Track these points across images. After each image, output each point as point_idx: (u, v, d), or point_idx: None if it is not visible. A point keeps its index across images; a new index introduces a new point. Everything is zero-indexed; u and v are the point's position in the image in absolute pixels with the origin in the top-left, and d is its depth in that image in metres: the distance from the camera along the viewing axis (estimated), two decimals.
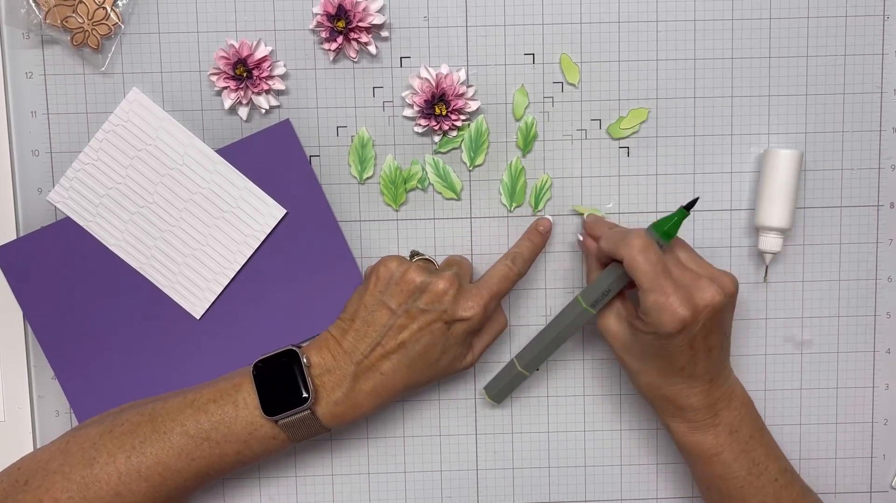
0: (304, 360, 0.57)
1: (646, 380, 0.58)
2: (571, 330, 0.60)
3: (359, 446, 0.67)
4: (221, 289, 0.64)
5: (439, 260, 0.64)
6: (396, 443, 0.67)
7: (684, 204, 0.57)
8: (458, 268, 0.59)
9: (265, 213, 0.63)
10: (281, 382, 0.57)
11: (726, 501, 0.59)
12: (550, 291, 0.66)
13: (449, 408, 0.67)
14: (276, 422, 0.56)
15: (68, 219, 0.63)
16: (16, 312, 0.64)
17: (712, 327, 0.55)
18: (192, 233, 0.63)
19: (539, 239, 0.63)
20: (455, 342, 0.58)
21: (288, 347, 0.58)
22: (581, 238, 0.63)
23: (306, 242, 0.64)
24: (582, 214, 0.64)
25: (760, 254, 0.64)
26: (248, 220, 0.63)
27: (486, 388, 0.64)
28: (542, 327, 0.63)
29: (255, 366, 0.58)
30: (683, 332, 0.54)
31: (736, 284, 0.56)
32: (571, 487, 0.67)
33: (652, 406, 0.60)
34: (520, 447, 0.67)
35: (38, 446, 0.65)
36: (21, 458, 0.59)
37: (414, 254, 0.63)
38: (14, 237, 0.63)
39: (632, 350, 0.58)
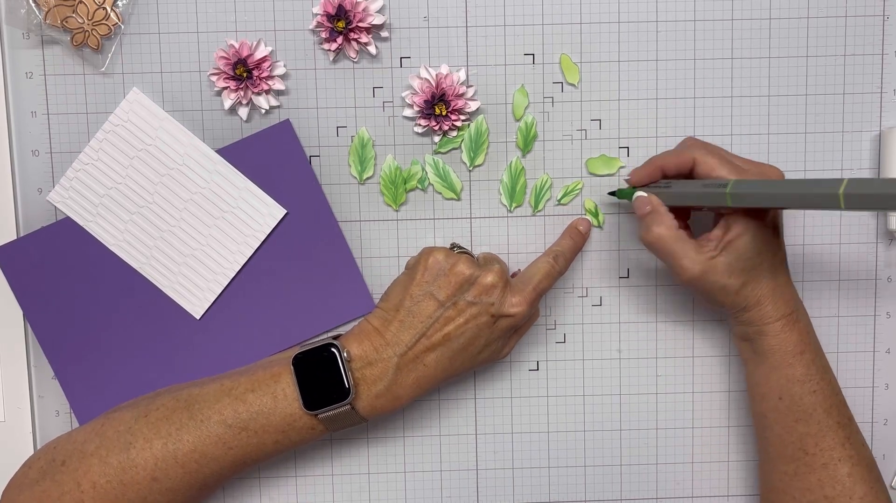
0: (345, 355, 0.56)
1: (753, 287, 0.57)
2: (697, 202, 0.57)
3: (359, 446, 0.67)
4: (221, 289, 0.64)
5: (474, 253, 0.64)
6: (396, 443, 0.67)
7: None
8: (501, 265, 0.59)
9: (265, 213, 0.63)
10: (321, 376, 0.56)
11: (796, 412, 0.58)
12: (550, 291, 0.66)
13: (449, 408, 0.67)
14: (316, 415, 0.56)
15: (68, 219, 0.63)
16: (16, 312, 0.64)
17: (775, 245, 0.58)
18: (192, 233, 0.63)
19: (580, 238, 0.64)
20: (497, 336, 0.59)
21: (328, 341, 0.57)
22: (642, 194, 0.60)
23: (306, 242, 0.64)
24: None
25: (891, 234, 0.65)
26: (248, 220, 0.63)
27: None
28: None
29: (295, 360, 0.57)
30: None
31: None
32: (571, 487, 0.67)
33: (740, 318, 0.59)
34: (520, 447, 0.67)
35: (38, 446, 0.65)
36: (55, 439, 0.59)
37: (454, 246, 0.62)
38: (14, 237, 0.63)
39: (742, 267, 0.56)
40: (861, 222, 0.66)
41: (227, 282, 0.64)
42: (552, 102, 0.64)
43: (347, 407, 0.56)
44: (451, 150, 0.64)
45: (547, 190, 0.65)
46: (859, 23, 0.64)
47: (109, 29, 0.62)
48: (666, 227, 0.57)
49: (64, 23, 0.61)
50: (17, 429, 0.65)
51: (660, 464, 0.68)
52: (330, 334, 0.62)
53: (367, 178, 0.65)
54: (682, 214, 0.62)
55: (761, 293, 0.57)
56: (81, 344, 0.64)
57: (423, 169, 0.64)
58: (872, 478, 0.58)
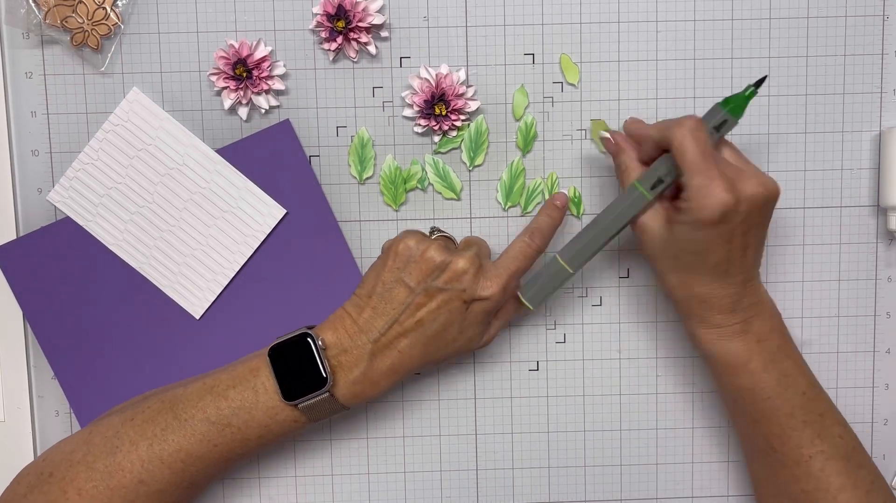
0: (320, 342, 0.56)
1: (678, 279, 0.57)
2: (623, 219, 0.57)
3: (359, 446, 0.67)
4: (221, 289, 0.64)
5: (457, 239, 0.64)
6: (396, 443, 0.67)
7: (753, 83, 0.56)
8: (478, 248, 0.59)
9: (265, 213, 0.63)
10: (298, 366, 0.56)
11: (753, 415, 0.58)
12: None
13: (449, 408, 0.67)
14: (296, 405, 0.56)
15: (68, 218, 0.63)
16: (16, 312, 0.64)
17: (752, 223, 0.54)
18: (192, 233, 0.63)
19: (556, 213, 0.61)
20: (473, 322, 0.58)
21: (302, 330, 0.57)
22: (607, 135, 0.60)
23: (306, 242, 0.64)
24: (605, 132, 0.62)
25: (891, 234, 0.65)
26: (248, 220, 0.63)
27: (522, 290, 0.60)
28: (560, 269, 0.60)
29: (271, 350, 0.57)
30: (724, 222, 0.53)
31: (779, 189, 0.55)
32: (571, 487, 0.67)
33: (680, 313, 0.59)
34: (520, 447, 0.67)
35: (38, 446, 0.65)
36: (46, 451, 0.59)
37: (434, 230, 0.62)
38: (14, 237, 0.63)
39: (667, 247, 0.56)
40: (861, 222, 0.66)
41: (226, 282, 0.64)
42: (552, 102, 0.64)
43: (326, 394, 0.56)
44: (451, 150, 0.64)
45: (539, 192, 0.65)
46: (859, 23, 0.64)
47: (109, 29, 0.62)
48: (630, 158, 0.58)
49: (64, 23, 0.61)
50: (17, 429, 0.65)
51: (660, 464, 0.68)
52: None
53: (367, 178, 0.65)
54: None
55: (697, 297, 0.56)
56: (81, 344, 0.64)
57: (423, 169, 0.64)
58: (850, 468, 0.57)
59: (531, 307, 0.60)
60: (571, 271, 0.59)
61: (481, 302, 0.57)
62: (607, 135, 0.60)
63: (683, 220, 0.54)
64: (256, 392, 0.57)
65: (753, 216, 0.54)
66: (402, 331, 0.57)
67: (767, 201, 0.54)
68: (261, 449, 0.58)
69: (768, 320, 0.57)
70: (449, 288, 0.57)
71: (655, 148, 0.57)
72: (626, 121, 0.60)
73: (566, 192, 0.63)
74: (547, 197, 0.65)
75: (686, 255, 0.55)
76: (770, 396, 0.57)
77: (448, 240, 0.61)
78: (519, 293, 0.60)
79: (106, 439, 0.57)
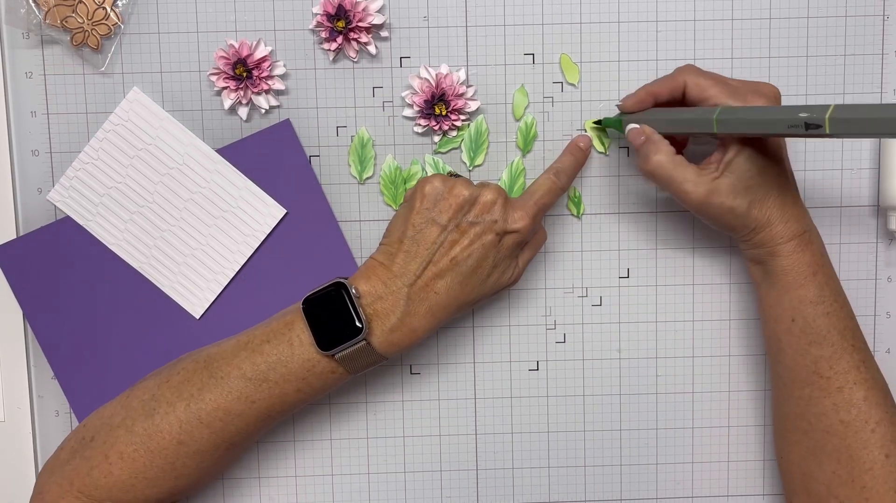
0: (353, 291, 0.56)
1: (757, 209, 0.57)
2: (693, 129, 0.58)
3: (359, 446, 0.67)
4: (221, 289, 0.64)
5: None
6: (396, 443, 0.67)
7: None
8: (497, 185, 0.59)
9: (265, 212, 0.63)
10: (333, 316, 0.56)
11: (808, 334, 0.58)
12: (550, 291, 0.66)
13: (449, 408, 0.67)
14: (333, 356, 0.56)
15: (68, 218, 0.63)
16: (16, 312, 0.64)
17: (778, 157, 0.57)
18: (192, 233, 0.63)
19: (581, 154, 0.63)
20: (504, 255, 0.58)
21: (335, 280, 0.56)
22: (636, 127, 0.60)
23: (306, 242, 0.64)
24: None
25: (891, 234, 0.65)
26: (248, 220, 0.63)
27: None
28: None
29: (305, 302, 0.56)
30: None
31: (777, 92, 0.58)
32: (571, 487, 0.67)
33: (755, 242, 0.58)
34: (520, 447, 0.67)
35: (38, 446, 0.65)
36: (87, 418, 0.60)
37: (450, 173, 0.61)
38: (14, 237, 0.63)
39: (737, 188, 0.56)
40: (861, 222, 0.66)
41: (226, 282, 0.64)
42: (552, 102, 0.64)
43: (363, 343, 0.55)
44: (451, 150, 0.64)
45: None
46: (859, 23, 0.64)
47: (109, 29, 0.62)
48: (664, 154, 0.57)
49: (64, 23, 0.61)
50: (17, 429, 0.65)
51: (660, 464, 0.68)
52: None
53: (367, 178, 0.65)
54: (677, 146, 0.61)
55: (770, 213, 0.57)
56: (81, 344, 0.64)
57: (423, 169, 0.64)
58: (888, 404, 0.57)
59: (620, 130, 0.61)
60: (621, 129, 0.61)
61: (513, 234, 0.57)
62: (636, 126, 0.60)
63: (740, 153, 0.56)
64: (292, 345, 0.56)
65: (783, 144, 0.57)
66: (437, 272, 0.56)
67: (779, 97, 0.58)
68: (300, 404, 0.58)
69: (818, 235, 0.59)
70: (480, 220, 0.57)
71: (656, 101, 0.59)
72: (637, 93, 0.60)
73: (589, 136, 0.64)
74: None
75: (757, 181, 0.56)
76: (829, 311, 0.57)
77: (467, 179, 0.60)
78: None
79: (143, 402, 0.57)
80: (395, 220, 0.58)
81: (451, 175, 0.60)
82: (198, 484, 0.59)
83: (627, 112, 0.61)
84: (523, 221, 0.57)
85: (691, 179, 0.56)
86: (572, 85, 0.64)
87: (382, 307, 0.56)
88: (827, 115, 0.48)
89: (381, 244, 0.59)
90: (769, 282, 0.59)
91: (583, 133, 0.64)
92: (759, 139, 0.56)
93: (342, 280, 0.56)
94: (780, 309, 0.59)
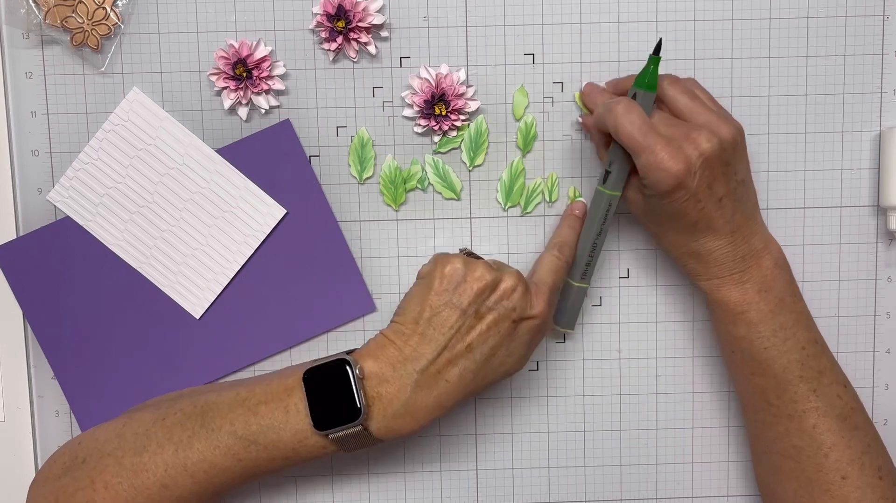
0: (358, 371, 0.53)
1: (669, 240, 0.58)
2: (603, 222, 0.60)
3: None
4: (221, 289, 0.64)
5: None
6: (397, 442, 0.67)
7: (651, 51, 0.57)
8: (514, 269, 0.57)
9: (265, 212, 0.63)
10: (333, 392, 0.53)
11: (750, 366, 0.58)
12: None
13: None
14: (326, 435, 0.54)
15: (68, 218, 0.63)
16: (16, 312, 0.64)
17: (714, 176, 0.54)
18: (192, 233, 0.63)
19: (578, 224, 0.62)
20: (519, 342, 0.56)
21: (340, 356, 0.54)
22: (580, 119, 0.63)
23: (306, 242, 0.64)
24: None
25: (891, 234, 0.65)
26: (248, 220, 0.63)
27: (557, 322, 0.62)
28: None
29: (305, 375, 0.54)
30: (682, 187, 0.53)
31: (736, 129, 0.55)
32: (571, 487, 0.67)
33: (682, 270, 0.60)
34: (520, 447, 0.67)
35: (38, 446, 0.65)
36: (81, 435, 0.59)
37: (465, 251, 0.59)
38: (14, 237, 0.63)
39: (649, 215, 0.58)
40: (861, 222, 0.66)
41: (226, 282, 0.64)
42: (552, 102, 0.64)
43: (359, 428, 0.53)
44: (450, 150, 0.64)
45: (539, 192, 0.65)
46: (859, 23, 0.64)
47: (109, 29, 0.62)
48: (638, 114, 0.55)
49: (64, 23, 0.61)
50: (17, 429, 0.65)
51: (660, 464, 0.68)
52: (344, 349, 0.59)
53: (367, 178, 0.65)
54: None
55: (681, 253, 0.58)
56: (81, 344, 0.64)
57: (423, 169, 0.64)
58: (845, 428, 0.57)
59: (571, 329, 0.63)
60: (587, 285, 0.62)
61: (530, 321, 0.56)
62: (580, 118, 0.63)
63: (648, 194, 0.56)
64: (287, 412, 0.54)
65: (714, 168, 0.54)
66: (451, 358, 0.54)
67: (724, 149, 0.54)
68: (287, 470, 0.56)
69: (771, 269, 0.57)
70: (499, 307, 0.54)
71: (604, 136, 0.59)
72: (582, 88, 0.63)
73: (584, 201, 0.64)
74: (547, 197, 0.65)
75: (667, 220, 0.57)
76: (766, 347, 0.57)
77: (485, 261, 0.58)
78: (555, 325, 0.62)
79: (137, 436, 0.56)
80: (411, 299, 0.56)
81: (468, 254, 0.58)
82: None
83: (587, 101, 0.62)
84: (540, 307, 0.56)
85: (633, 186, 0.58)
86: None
87: (387, 391, 0.54)
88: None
89: (393, 321, 0.56)
90: (710, 316, 0.60)
91: (577, 200, 0.64)
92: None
93: (347, 357, 0.54)
94: (720, 339, 0.60)
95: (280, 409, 0.55)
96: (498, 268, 0.56)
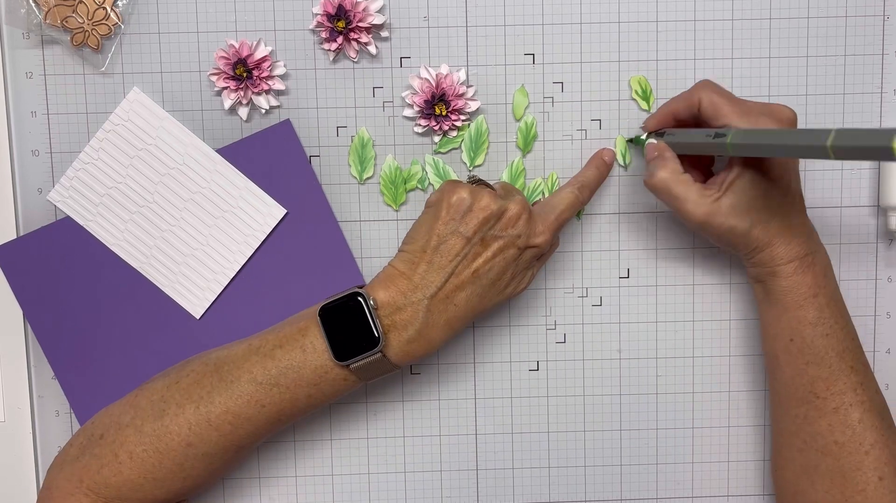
0: (372, 302, 0.55)
1: (760, 229, 0.57)
2: (725, 137, 0.56)
3: (359, 446, 0.67)
4: (221, 289, 0.64)
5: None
6: (396, 443, 0.67)
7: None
8: (521, 195, 0.59)
9: (265, 212, 0.63)
10: (349, 326, 0.55)
11: (806, 354, 0.58)
12: (550, 291, 0.66)
13: (449, 408, 0.67)
14: (347, 366, 0.56)
15: (68, 218, 0.63)
16: (16, 312, 0.64)
17: None
18: (192, 233, 0.63)
19: (605, 169, 0.63)
20: (522, 267, 0.58)
21: (353, 290, 0.56)
22: (653, 142, 0.61)
23: (306, 242, 0.64)
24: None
25: (891, 234, 0.65)
26: (248, 220, 0.63)
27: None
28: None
29: (322, 311, 0.56)
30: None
31: (790, 108, 0.58)
32: (571, 487, 0.67)
33: (757, 261, 0.59)
34: (520, 447, 0.67)
35: (38, 446, 0.65)
36: (94, 416, 0.60)
37: (472, 178, 0.60)
38: (14, 237, 0.63)
39: (741, 209, 0.57)
40: (861, 222, 0.66)
41: (227, 282, 0.64)
42: (552, 102, 0.64)
43: (379, 355, 0.55)
44: (451, 150, 0.64)
45: (539, 192, 0.65)
46: (859, 23, 0.64)
47: (109, 29, 0.62)
48: (669, 171, 0.58)
49: (64, 23, 0.61)
50: (17, 429, 0.65)
51: (660, 464, 0.68)
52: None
53: (367, 178, 0.65)
54: (705, 161, 0.63)
55: (772, 234, 0.57)
56: (81, 344, 0.64)
57: (423, 169, 0.64)
58: (884, 426, 0.58)
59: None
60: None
61: (534, 249, 0.58)
62: (653, 141, 0.61)
63: (742, 174, 0.56)
64: (305, 351, 0.56)
65: None
66: (458, 284, 0.56)
67: (796, 122, 0.58)
68: (311, 409, 0.57)
69: (825, 257, 0.59)
70: (504, 235, 0.56)
71: (675, 119, 0.61)
72: (657, 113, 0.62)
73: (613, 149, 0.64)
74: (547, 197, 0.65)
75: (760, 202, 0.57)
76: (828, 333, 0.57)
77: (491, 188, 0.60)
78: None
79: (153, 402, 0.57)
80: (418, 228, 0.58)
81: (474, 181, 0.59)
82: (204, 484, 0.59)
83: (651, 132, 0.62)
84: (545, 236, 0.58)
85: (692, 199, 0.57)
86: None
87: (401, 319, 0.56)
88: (828, 143, 0.49)
89: (400, 251, 0.58)
90: (769, 301, 0.59)
91: (607, 147, 0.64)
92: (767, 159, 0.56)
93: (360, 290, 0.56)
94: (779, 328, 0.59)
95: (297, 349, 0.56)
96: (505, 194, 0.58)
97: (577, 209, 0.61)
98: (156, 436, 0.56)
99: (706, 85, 0.59)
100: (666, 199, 0.58)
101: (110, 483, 0.56)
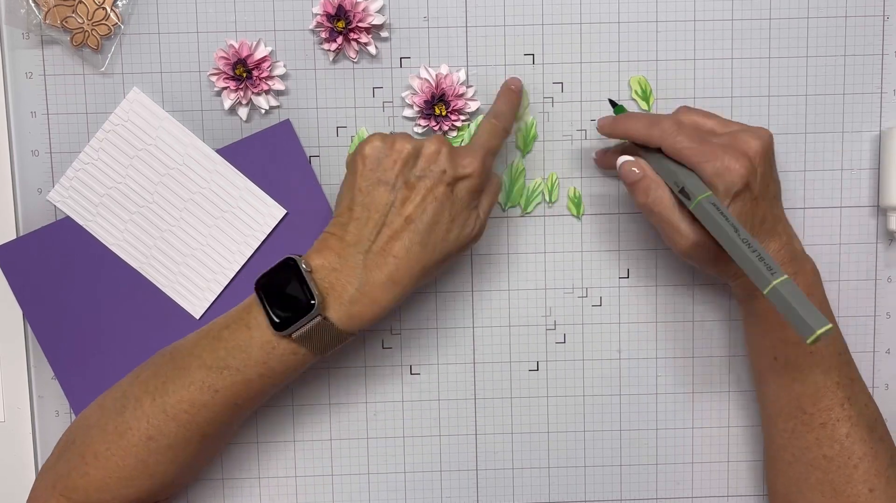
0: (304, 266, 0.54)
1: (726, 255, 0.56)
2: (727, 218, 0.54)
3: (359, 446, 0.67)
4: (221, 289, 0.64)
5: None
6: (396, 443, 0.67)
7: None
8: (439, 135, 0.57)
9: (265, 212, 0.63)
10: (287, 295, 0.53)
11: (791, 372, 0.58)
12: (550, 291, 0.66)
13: (449, 408, 0.67)
14: (291, 335, 0.54)
15: (68, 218, 0.63)
16: (16, 312, 0.64)
17: (768, 174, 0.56)
18: (192, 233, 0.63)
19: (514, 97, 0.61)
20: (461, 205, 0.55)
21: (286, 257, 0.55)
22: (628, 159, 0.58)
23: (306, 242, 0.64)
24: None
25: (891, 234, 0.65)
26: (248, 220, 0.63)
27: (803, 331, 0.52)
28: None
29: (258, 283, 0.55)
30: (748, 188, 0.55)
31: (766, 131, 0.57)
32: (571, 487, 0.67)
33: (740, 283, 0.59)
34: (520, 447, 0.67)
35: (38, 446, 0.65)
36: (74, 421, 0.60)
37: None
38: (14, 237, 0.63)
39: (708, 242, 0.56)
40: (861, 222, 0.66)
41: (227, 282, 0.64)
42: (552, 102, 0.64)
43: (319, 318, 0.53)
44: None
45: (539, 192, 0.65)
46: (859, 23, 0.64)
47: (109, 29, 0.62)
48: (666, 192, 0.57)
49: (64, 23, 0.61)
50: (17, 429, 0.65)
51: (660, 465, 0.68)
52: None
53: None
54: None
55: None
56: (81, 344, 0.64)
57: None
58: (873, 439, 0.57)
59: (829, 326, 0.51)
60: (785, 276, 0.53)
61: (465, 180, 0.55)
62: (630, 159, 0.58)
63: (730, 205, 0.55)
64: (250, 328, 0.54)
65: (766, 166, 0.57)
66: (392, 233, 0.54)
67: (768, 147, 0.57)
68: (269, 390, 0.56)
69: (812, 274, 0.58)
70: (428, 173, 0.54)
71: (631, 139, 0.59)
72: (599, 120, 0.61)
73: (520, 78, 0.63)
74: (547, 197, 0.65)
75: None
76: (811, 351, 0.57)
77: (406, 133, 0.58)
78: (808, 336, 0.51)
79: (115, 400, 0.57)
80: (342, 190, 0.56)
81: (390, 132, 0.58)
82: (176, 481, 0.58)
83: (604, 134, 0.60)
84: (473, 165, 0.55)
85: (683, 228, 0.56)
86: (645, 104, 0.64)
87: (338, 279, 0.54)
88: (770, 284, 0.52)
89: (333, 217, 0.57)
90: (752, 321, 0.60)
91: (514, 77, 0.63)
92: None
93: (293, 256, 0.55)
94: (763, 346, 0.59)
95: (242, 328, 0.55)
96: (422, 137, 0.57)
97: (500, 136, 0.59)
98: (117, 434, 0.55)
99: (671, 130, 0.56)
100: (657, 222, 0.58)
101: (78, 485, 0.56)
